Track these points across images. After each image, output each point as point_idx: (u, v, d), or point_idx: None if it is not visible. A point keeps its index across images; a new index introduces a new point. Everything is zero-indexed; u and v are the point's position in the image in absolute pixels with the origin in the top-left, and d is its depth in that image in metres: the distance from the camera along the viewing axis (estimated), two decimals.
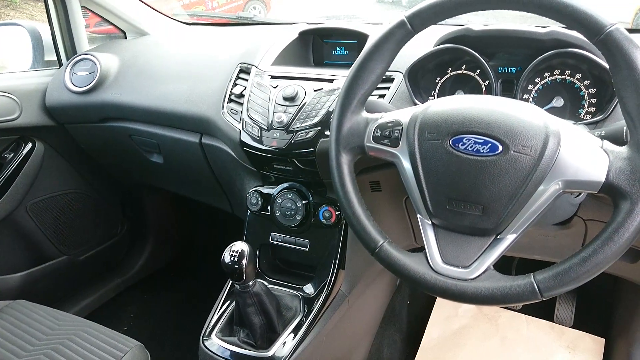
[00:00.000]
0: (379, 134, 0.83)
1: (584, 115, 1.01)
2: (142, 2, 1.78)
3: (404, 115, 0.82)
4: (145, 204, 2.00)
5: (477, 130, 0.73)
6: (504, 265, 1.72)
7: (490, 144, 0.72)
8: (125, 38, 1.80)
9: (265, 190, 1.26)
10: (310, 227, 1.22)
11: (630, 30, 1.28)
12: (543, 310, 1.67)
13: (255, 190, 1.26)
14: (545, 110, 1.03)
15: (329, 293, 1.20)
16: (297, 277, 1.30)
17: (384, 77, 1.10)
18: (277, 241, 1.28)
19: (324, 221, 1.19)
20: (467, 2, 0.76)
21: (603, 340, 1.58)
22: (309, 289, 1.22)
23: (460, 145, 0.74)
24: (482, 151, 0.72)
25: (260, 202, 1.25)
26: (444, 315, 1.74)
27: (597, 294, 1.69)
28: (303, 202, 1.19)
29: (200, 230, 2.19)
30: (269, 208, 1.24)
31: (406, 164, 0.80)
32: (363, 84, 0.84)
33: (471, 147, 0.73)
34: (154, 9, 1.83)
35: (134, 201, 1.98)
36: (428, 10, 0.79)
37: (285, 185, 1.23)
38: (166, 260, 2.11)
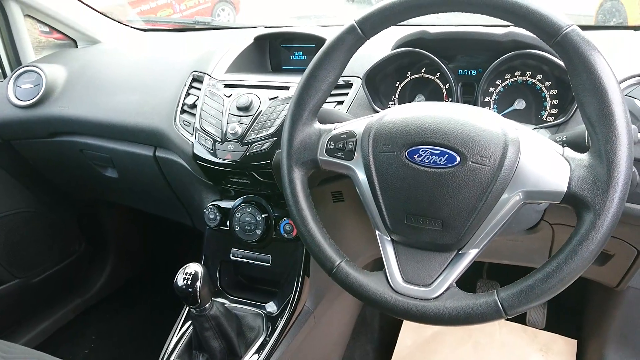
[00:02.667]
0: (332, 147, 0.78)
1: (546, 117, 0.98)
2: (93, 8, 1.70)
3: (357, 125, 0.78)
4: (104, 219, 1.91)
5: (433, 141, 0.69)
6: (474, 269, 1.70)
7: (447, 155, 0.68)
8: (76, 47, 1.71)
9: (223, 204, 1.20)
10: (271, 242, 1.17)
11: (590, 27, 1.27)
12: None
13: (213, 205, 1.19)
14: (508, 112, 1.01)
15: (294, 310, 1.15)
16: (261, 293, 1.25)
17: (341, 83, 1.07)
18: (237, 257, 1.22)
19: (285, 235, 1.14)
20: (418, 4, 0.71)
21: (575, 341, 1.56)
22: (271, 306, 1.16)
23: (416, 157, 0.70)
24: (439, 163, 0.68)
25: (218, 217, 1.19)
26: (417, 322, 1.70)
27: (568, 295, 1.67)
28: (263, 215, 1.14)
29: (163, 245, 2.11)
30: (228, 223, 1.19)
31: (362, 178, 0.75)
32: (314, 93, 0.79)
33: (428, 158, 0.69)
34: (106, 15, 1.75)
35: (92, 217, 1.89)
36: (378, 14, 0.74)
37: (244, 198, 1.17)
38: (128, 278, 2.02)
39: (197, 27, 1.78)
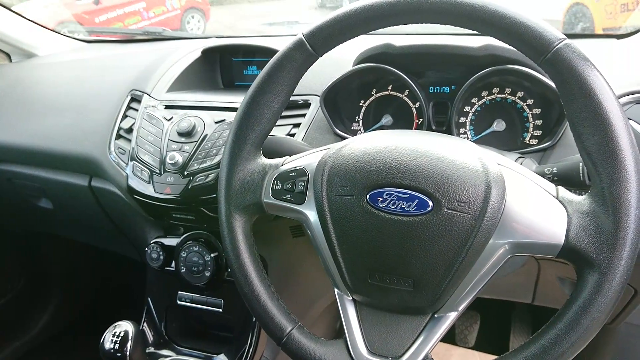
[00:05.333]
0: (279, 187, 0.64)
1: (529, 140, 0.86)
2: (27, 19, 1.53)
3: (310, 160, 0.64)
4: (47, 251, 1.71)
5: (399, 182, 0.56)
6: None
7: (417, 200, 0.55)
8: (10, 61, 1.54)
9: (168, 241, 1.05)
10: (223, 284, 1.02)
11: (571, 36, 1.16)
12: (497, 345, 1.54)
13: (155, 243, 1.04)
14: (486, 135, 0.89)
15: None
16: (214, 339, 1.10)
17: (299, 102, 0.94)
18: (185, 301, 1.07)
19: None
20: (380, 15, 0.59)
21: None
22: (223, 359, 1.02)
23: (380, 202, 0.56)
24: (407, 209, 0.55)
25: (162, 257, 1.03)
26: None
27: None
28: (212, 255, 0.99)
29: (115, 277, 1.92)
30: (173, 263, 1.03)
31: (315, 226, 0.62)
32: (256, 123, 0.66)
33: (394, 204, 0.56)
34: (43, 26, 1.58)
35: (32, 249, 1.70)
36: (331, 26, 0.61)
37: (190, 235, 1.02)
38: (75, 315, 1.83)
39: (147, 37, 1.62)
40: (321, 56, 0.64)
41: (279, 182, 0.64)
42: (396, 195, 0.56)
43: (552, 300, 1.13)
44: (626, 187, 0.50)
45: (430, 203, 0.55)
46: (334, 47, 0.64)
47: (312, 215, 0.62)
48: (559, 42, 0.52)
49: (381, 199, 0.56)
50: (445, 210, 0.54)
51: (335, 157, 0.61)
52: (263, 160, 0.67)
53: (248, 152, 0.66)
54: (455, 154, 0.57)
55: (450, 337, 1.55)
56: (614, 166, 0.50)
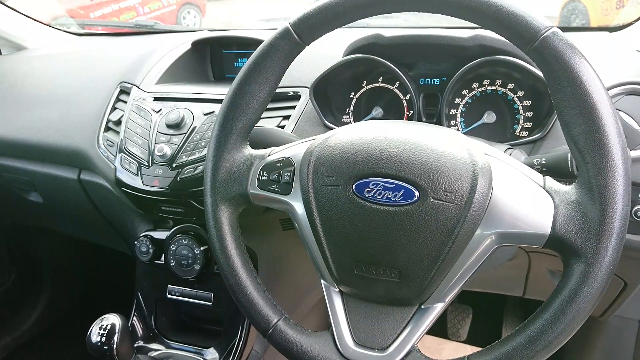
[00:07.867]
0: (265, 178, 0.64)
1: (519, 132, 0.86)
2: (17, 11, 1.51)
3: (296, 150, 0.64)
4: (37, 246, 1.70)
5: (385, 172, 0.55)
6: None
7: (403, 190, 0.55)
8: (0, 54, 1.53)
9: (157, 235, 1.04)
10: (213, 277, 1.01)
11: (564, 29, 1.16)
12: (489, 339, 1.53)
13: (144, 237, 1.03)
14: (476, 127, 0.88)
15: (239, 356, 1.00)
16: (205, 333, 1.09)
17: (289, 94, 0.93)
18: (175, 295, 1.06)
19: None
20: (366, 3, 0.58)
21: None
22: (212, 353, 1.01)
23: (366, 192, 0.56)
24: (394, 199, 0.55)
25: (151, 250, 1.03)
26: None
27: None
28: (202, 248, 0.98)
29: (107, 271, 1.91)
30: (162, 257, 1.03)
31: (301, 216, 0.61)
32: (242, 113, 0.65)
33: (380, 194, 0.55)
34: (34, 19, 1.57)
35: (23, 244, 1.68)
36: (317, 15, 0.60)
37: (179, 228, 1.02)
38: (67, 309, 1.82)
39: (138, 30, 1.61)
40: (308, 45, 0.64)
41: (265, 172, 0.64)
42: (382, 185, 0.55)
43: (543, 293, 1.13)
44: (613, 177, 0.49)
45: (417, 193, 0.54)
46: (321, 36, 0.63)
47: (298, 206, 0.61)
48: (546, 30, 0.51)
49: (367, 189, 0.56)
50: (432, 200, 0.54)
51: (322, 147, 0.60)
52: (249, 150, 0.67)
53: (234, 142, 0.65)
54: (442, 143, 0.56)
55: (442, 331, 1.55)
56: (601, 155, 0.50)
